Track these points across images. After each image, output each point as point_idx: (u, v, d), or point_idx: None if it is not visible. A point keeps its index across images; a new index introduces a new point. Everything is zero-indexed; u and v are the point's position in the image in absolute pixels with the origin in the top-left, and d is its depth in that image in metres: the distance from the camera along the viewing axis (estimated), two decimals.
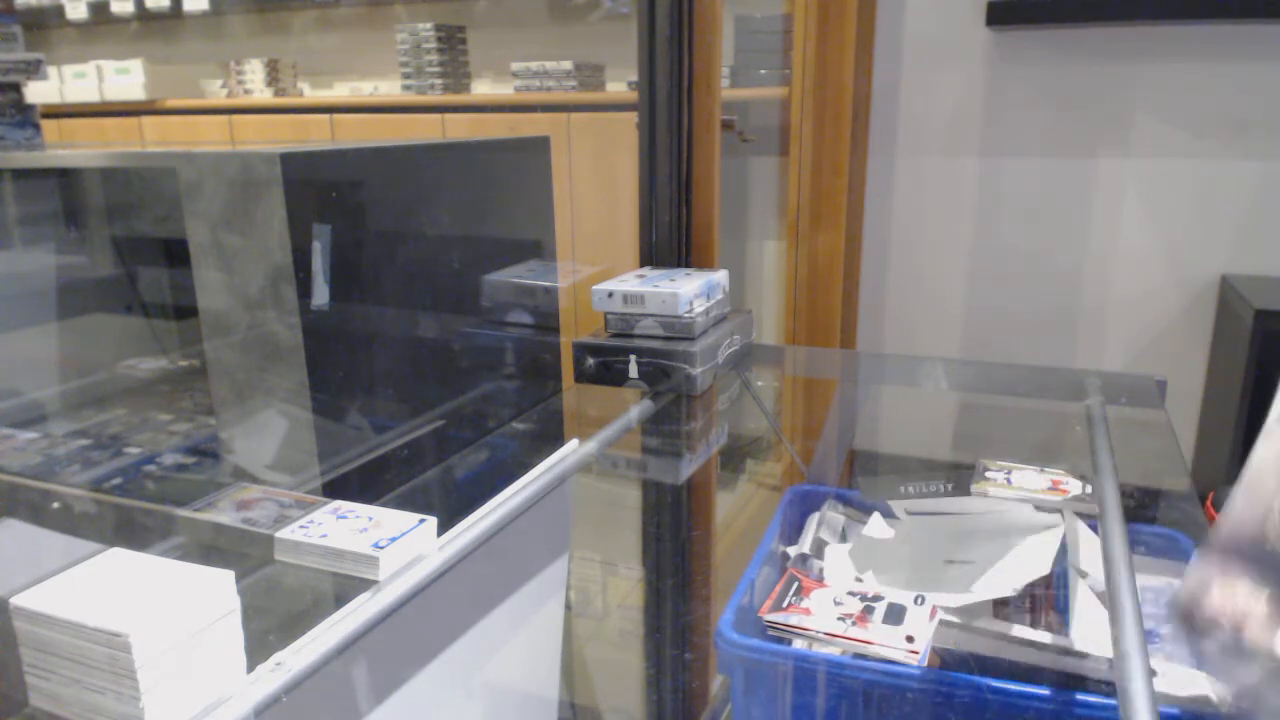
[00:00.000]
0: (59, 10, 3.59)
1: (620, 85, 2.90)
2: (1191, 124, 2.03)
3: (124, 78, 3.28)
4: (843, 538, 0.99)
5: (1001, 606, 0.81)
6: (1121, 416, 1.00)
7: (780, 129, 2.33)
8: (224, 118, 3.10)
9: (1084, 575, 0.80)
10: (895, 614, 0.74)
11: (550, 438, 1.19)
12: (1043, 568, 0.80)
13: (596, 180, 2.44)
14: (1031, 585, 0.80)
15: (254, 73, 3.29)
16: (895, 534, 0.95)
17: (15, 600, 0.48)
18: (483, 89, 3.12)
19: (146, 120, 3.25)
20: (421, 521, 0.67)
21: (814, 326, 2.25)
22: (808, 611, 0.76)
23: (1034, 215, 2.21)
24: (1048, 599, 0.82)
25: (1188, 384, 2.11)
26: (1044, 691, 0.67)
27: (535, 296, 1.17)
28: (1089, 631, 0.74)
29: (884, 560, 0.92)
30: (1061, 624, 0.80)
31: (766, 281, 2.52)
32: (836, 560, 0.91)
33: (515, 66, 2.82)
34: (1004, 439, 1.02)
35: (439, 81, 2.94)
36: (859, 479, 1.07)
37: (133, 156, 1.01)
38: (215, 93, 3.40)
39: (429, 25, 2.92)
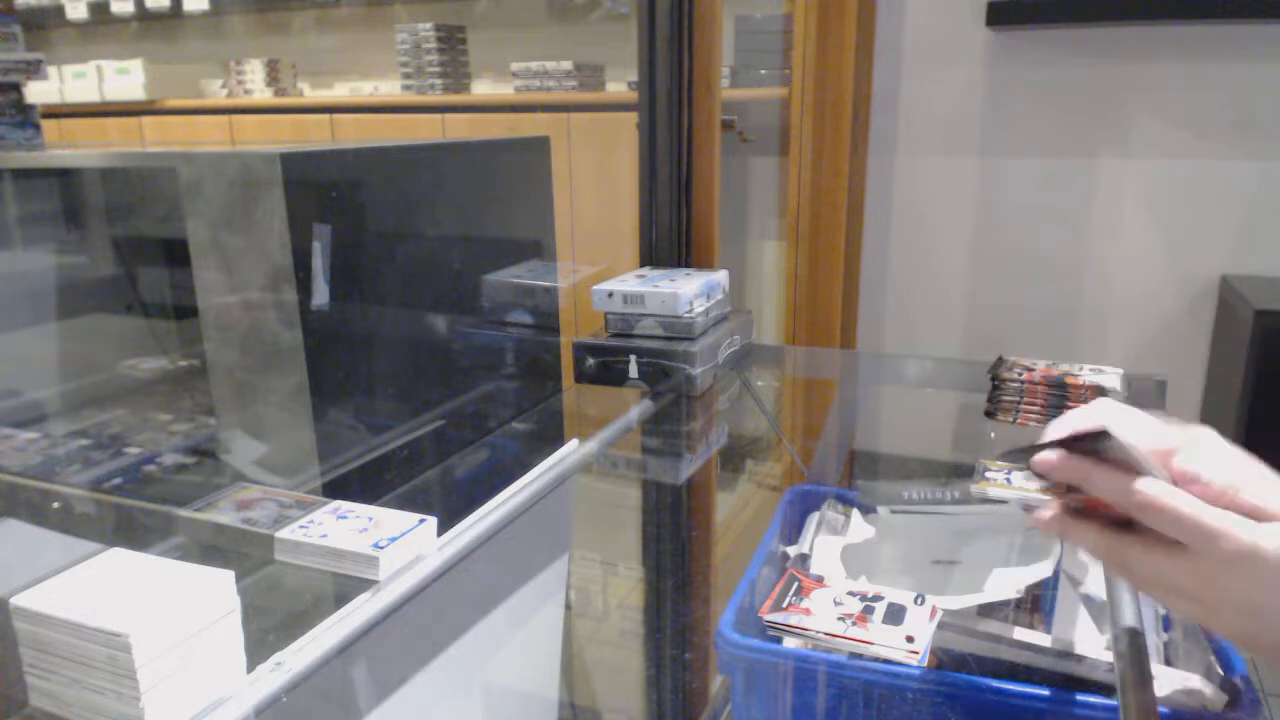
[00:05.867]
0: (59, 10, 3.59)
1: (620, 85, 2.90)
2: (1191, 124, 2.03)
3: (124, 78, 3.28)
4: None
5: (987, 608, 0.81)
6: None
7: (780, 129, 2.33)
8: (224, 118, 3.10)
9: (1076, 583, 0.80)
10: (895, 614, 0.74)
11: (550, 438, 1.19)
12: (1044, 570, 0.80)
13: (596, 180, 2.44)
14: (1029, 587, 0.80)
15: (254, 73, 3.29)
16: (889, 535, 0.95)
17: (15, 600, 0.48)
18: (483, 89, 3.12)
19: (146, 120, 3.25)
20: (421, 521, 0.67)
21: (814, 326, 2.25)
22: (808, 611, 0.75)
23: (1034, 215, 2.22)
24: (1033, 601, 0.82)
25: (1188, 384, 2.11)
26: (1043, 692, 0.67)
27: (535, 296, 1.17)
28: (1066, 635, 0.74)
29: (877, 562, 0.93)
30: (1044, 625, 0.80)
31: (766, 281, 2.52)
32: (826, 558, 0.91)
33: (515, 66, 2.82)
34: (1004, 439, 1.02)
35: (439, 81, 2.94)
36: (859, 484, 1.07)
37: (133, 156, 1.01)
38: (215, 93, 3.40)
39: (429, 25, 2.92)
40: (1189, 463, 0.50)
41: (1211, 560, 0.46)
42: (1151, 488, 0.48)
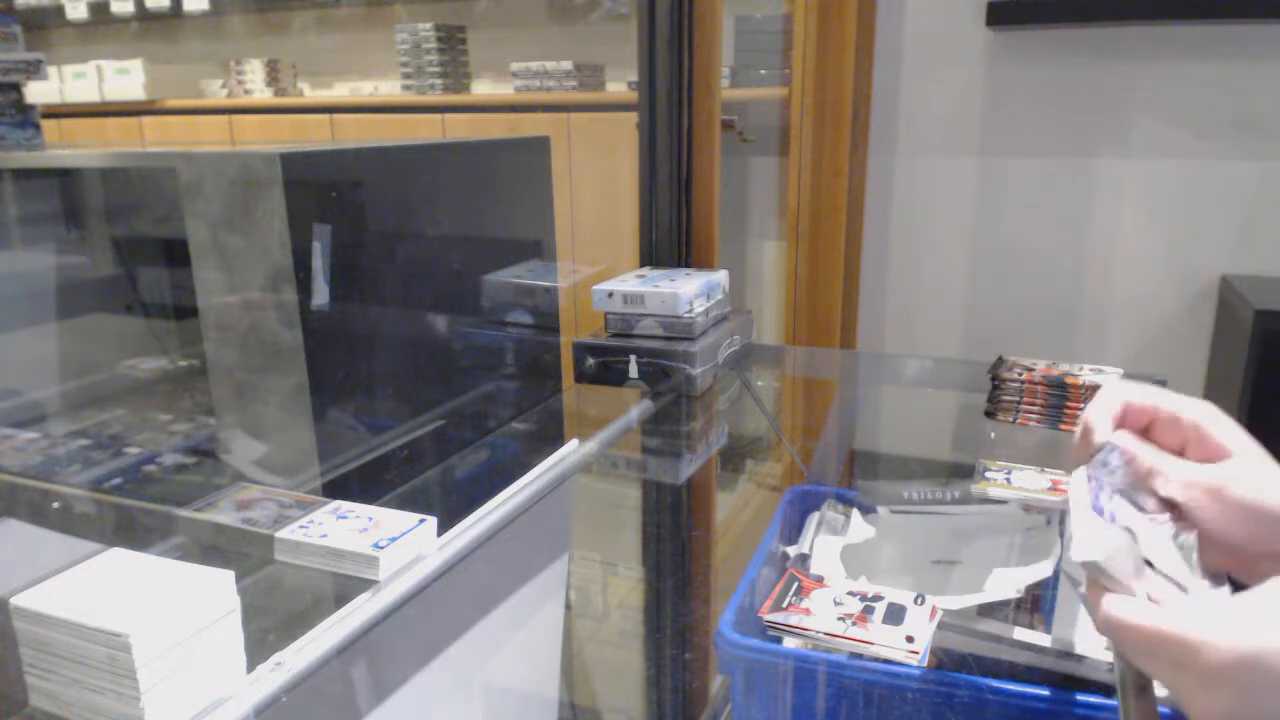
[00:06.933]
0: (59, 10, 3.59)
1: (620, 85, 2.90)
2: (1191, 124, 2.03)
3: (124, 78, 3.28)
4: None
5: (987, 608, 0.81)
6: None
7: (780, 129, 2.33)
8: (224, 118, 3.10)
9: (1076, 583, 0.80)
10: (895, 614, 0.74)
11: (550, 438, 1.19)
12: (1044, 570, 0.80)
13: (596, 180, 2.44)
14: (1029, 587, 0.80)
15: (254, 73, 3.29)
16: (889, 535, 0.95)
17: (15, 600, 0.48)
18: (483, 89, 3.12)
19: (146, 120, 3.25)
20: (421, 521, 0.67)
21: (814, 326, 2.25)
22: (808, 611, 0.75)
23: (1034, 215, 2.21)
24: (1033, 601, 0.82)
25: (1188, 384, 2.11)
26: (1044, 692, 0.67)
27: (535, 296, 1.17)
28: (1066, 635, 0.74)
29: (877, 562, 0.93)
30: (1044, 625, 0.80)
31: (766, 281, 2.52)
32: (826, 558, 0.91)
33: (515, 66, 2.82)
34: (1004, 439, 1.02)
35: (439, 81, 2.94)
36: (859, 484, 1.07)
37: (133, 156, 1.01)
38: (215, 93, 3.41)
39: (429, 25, 2.92)
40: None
41: (1194, 674, 0.41)
42: (1114, 608, 0.44)
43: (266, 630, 0.57)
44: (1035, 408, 1.02)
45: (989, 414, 1.04)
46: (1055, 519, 0.86)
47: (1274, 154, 1.98)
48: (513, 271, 1.13)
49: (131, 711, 0.46)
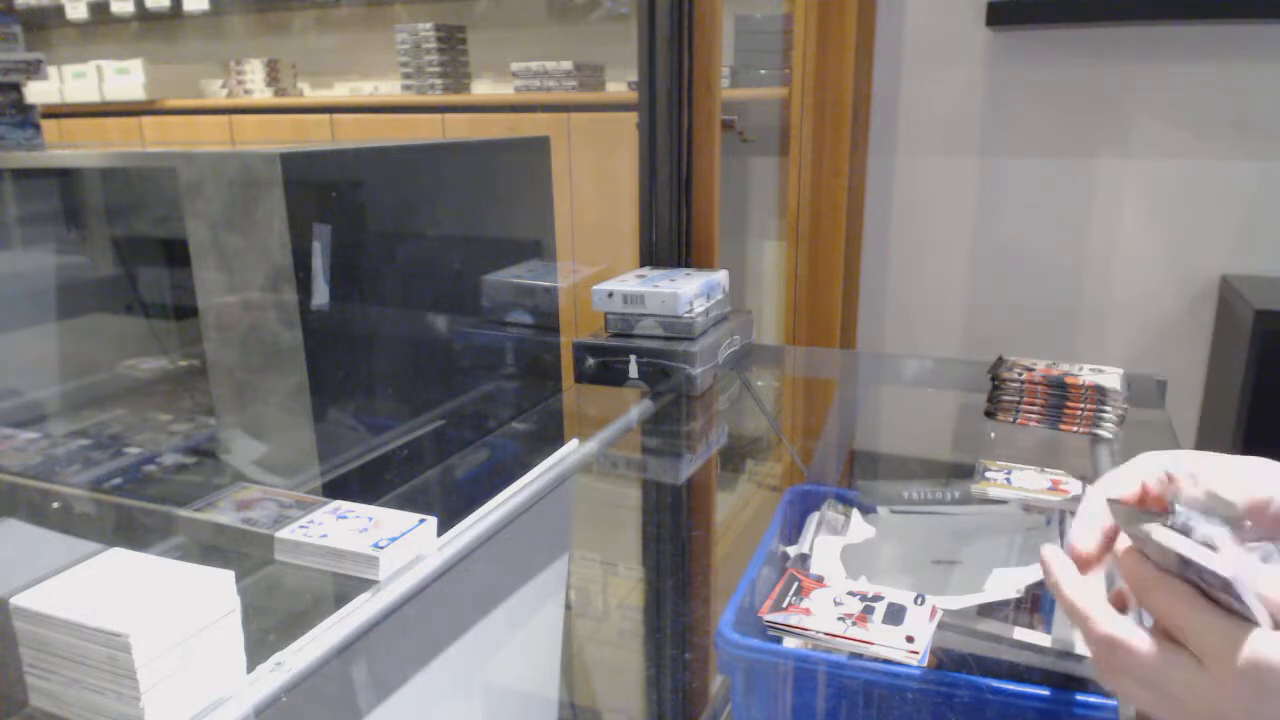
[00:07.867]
0: (59, 10, 3.59)
1: (620, 85, 2.90)
2: (1191, 124, 2.03)
3: (124, 78, 3.28)
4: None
5: (987, 608, 0.81)
6: None
7: (780, 129, 2.33)
8: (224, 118, 3.10)
9: None
10: (895, 614, 0.74)
11: (550, 438, 1.19)
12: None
13: (596, 180, 2.44)
14: (1029, 587, 0.80)
15: (254, 73, 3.29)
16: (889, 535, 0.95)
17: (15, 600, 0.48)
18: (483, 89, 3.12)
19: (146, 120, 3.25)
20: (421, 521, 0.67)
21: (814, 326, 2.25)
22: (808, 611, 0.75)
23: (1034, 215, 2.21)
24: (1033, 601, 0.82)
25: (1188, 384, 2.11)
26: (1044, 692, 0.67)
27: (535, 296, 1.17)
28: (1066, 635, 0.74)
29: (877, 562, 0.93)
30: (1044, 625, 0.80)
31: (766, 281, 2.52)
32: (826, 558, 0.91)
33: (515, 66, 2.82)
34: (1004, 439, 1.02)
35: (439, 81, 2.94)
36: (859, 484, 1.07)
37: (133, 156, 1.01)
38: (215, 93, 3.41)
39: (429, 25, 2.92)
40: None
41: (1221, 670, 0.41)
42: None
43: (266, 630, 0.57)
44: (1035, 408, 1.02)
45: (989, 414, 1.04)
46: (1055, 519, 0.86)
47: (1274, 154, 1.98)
48: (513, 271, 1.13)
49: (131, 711, 0.46)
